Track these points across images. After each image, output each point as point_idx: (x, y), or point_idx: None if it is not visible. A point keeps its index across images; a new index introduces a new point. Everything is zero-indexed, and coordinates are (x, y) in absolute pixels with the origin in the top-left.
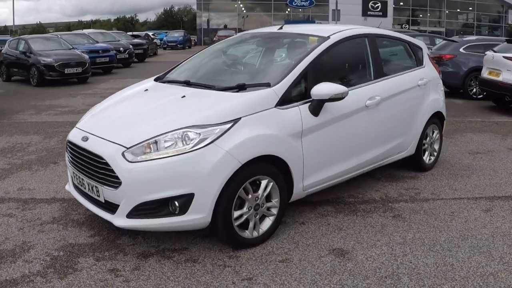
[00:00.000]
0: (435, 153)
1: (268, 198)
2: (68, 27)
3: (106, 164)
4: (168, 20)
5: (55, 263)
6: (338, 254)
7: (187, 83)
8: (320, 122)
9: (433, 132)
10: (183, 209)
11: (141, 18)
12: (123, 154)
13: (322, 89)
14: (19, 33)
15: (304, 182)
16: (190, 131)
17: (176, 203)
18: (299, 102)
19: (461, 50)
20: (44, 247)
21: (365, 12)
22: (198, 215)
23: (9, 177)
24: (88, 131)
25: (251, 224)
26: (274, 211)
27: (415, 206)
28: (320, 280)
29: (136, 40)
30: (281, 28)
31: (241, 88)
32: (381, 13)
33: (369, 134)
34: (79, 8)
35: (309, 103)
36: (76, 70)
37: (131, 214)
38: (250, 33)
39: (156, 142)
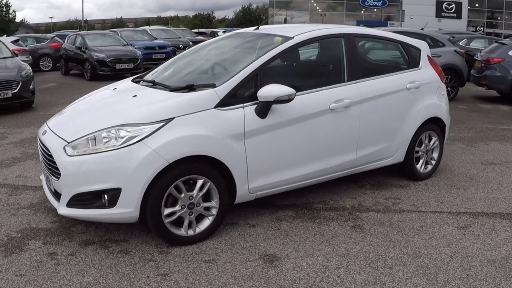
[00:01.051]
0: (433, 162)
1: (208, 198)
2: (148, 22)
3: (51, 156)
4: (246, 18)
5: (8, 243)
6: (267, 260)
7: (153, 83)
8: (268, 125)
9: (429, 139)
10: (112, 203)
11: (221, 15)
12: (64, 148)
13: (268, 90)
14: (88, 28)
15: (250, 185)
16: (122, 129)
17: (106, 196)
18: (244, 104)
19: (510, 53)
20: (8, 229)
21: (439, 14)
22: (126, 209)
23: (15, 165)
24: (49, 126)
25: (185, 223)
26: (214, 211)
27: (384, 218)
28: (232, 284)
29: (200, 37)
30: (257, 28)
31: (190, 88)
32: (455, 15)
33: (337, 139)
34: (161, 4)
35: (256, 105)
36: (128, 66)
37: (70, 204)
38: (232, 33)
39: (95, 138)
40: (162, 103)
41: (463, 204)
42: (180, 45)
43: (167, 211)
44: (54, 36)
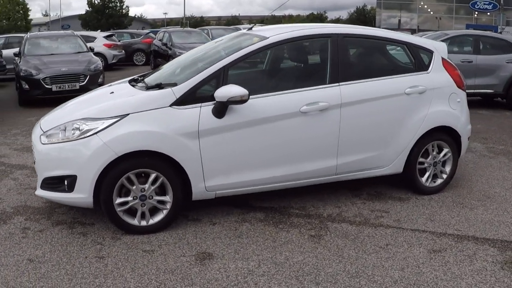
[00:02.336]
0: (444, 176)
1: (163, 192)
2: (262, 21)
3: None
4: (360, 18)
5: (0, 216)
6: (199, 258)
7: (144, 83)
8: (225, 125)
9: (439, 151)
10: (70, 188)
11: (336, 15)
12: (40, 137)
13: (223, 91)
14: (186, 25)
15: (207, 183)
16: (83, 122)
17: (66, 181)
18: (202, 103)
19: None
20: (6, 204)
21: None
22: (81, 194)
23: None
24: (41, 119)
25: (138, 213)
26: (168, 205)
27: (353, 230)
28: (151, 275)
29: None
30: (250, 29)
31: (159, 87)
32: None
33: (310, 143)
34: (280, 2)
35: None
36: None
37: (43, 186)
38: (233, 34)
39: (65, 129)
40: (123, 99)
41: (456, 225)
42: None
43: (119, 200)
44: (149, 32)
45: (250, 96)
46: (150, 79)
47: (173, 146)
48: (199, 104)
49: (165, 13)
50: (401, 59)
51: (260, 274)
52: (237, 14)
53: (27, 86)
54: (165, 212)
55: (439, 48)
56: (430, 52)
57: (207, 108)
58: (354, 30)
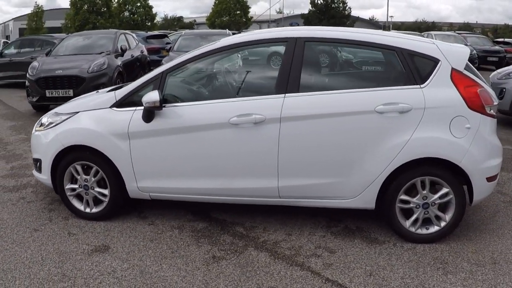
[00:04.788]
0: (442, 223)
1: (105, 185)
2: (495, 29)
3: None
4: None
5: (17, 187)
6: (94, 250)
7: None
8: (152, 129)
9: (431, 189)
10: (40, 169)
11: None
12: (35, 125)
13: (145, 96)
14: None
15: (139, 184)
16: (53, 115)
17: (38, 164)
18: (137, 107)
19: None
20: (28, 181)
21: None
22: (45, 176)
23: None
24: None
25: (84, 200)
26: (107, 198)
27: (261, 263)
28: (65, 255)
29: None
30: (239, 32)
31: (116, 89)
32: None
33: (244, 159)
34: None
35: None
36: None
37: (34, 168)
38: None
39: (46, 120)
40: (81, 99)
41: None
42: None
43: (69, 186)
44: None
45: (185, 103)
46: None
47: (107, 144)
48: (134, 108)
49: (391, 16)
50: (385, 68)
51: (119, 276)
52: (475, 22)
53: None
54: (104, 204)
55: (453, 56)
56: (433, 61)
57: (139, 112)
58: (321, 33)
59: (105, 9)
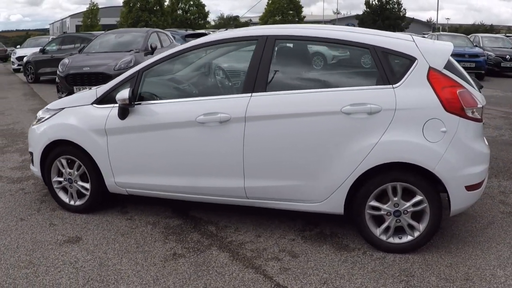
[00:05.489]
0: (416, 233)
1: (87, 180)
2: None
3: None
4: None
5: (17, 180)
6: (65, 241)
7: None
8: (127, 126)
9: (406, 196)
10: (32, 162)
11: None
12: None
13: (118, 94)
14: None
15: (116, 179)
16: (43, 111)
17: (31, 156)
18: (115, 104)
19: None
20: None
21: None
22: (36, 168)
23: None
24: None
25: (68, 193)
26: (88, 192)
27: (219, 262)
28: (39, 244)
29: None
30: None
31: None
32: None
33: (210, 158)
34: None
35: None
36: None
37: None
38: None
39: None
40: (69, 97)
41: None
42: (507, 56)
43: (55, 178)
44: None
45: (157, 101)
46: None
47: (87, 140)
48: (112, 105)
49: (447, 18)
50: (358, 67)
51: (78, 266)
52: None
53: None
54: (86, 197)
55: (432, 54)
56: (409, 60)
57: (116, 109)
58: (292, 31)
59: (157, 7)
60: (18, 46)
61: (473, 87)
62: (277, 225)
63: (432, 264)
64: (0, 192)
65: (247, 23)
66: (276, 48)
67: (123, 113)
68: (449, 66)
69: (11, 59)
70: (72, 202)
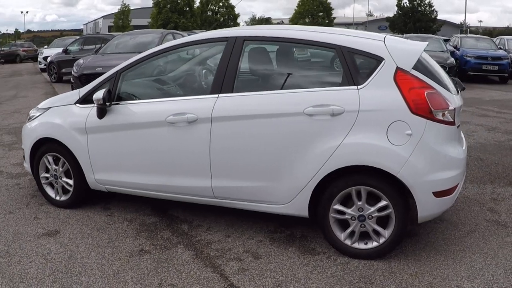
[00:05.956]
0: (381, 240)
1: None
2: None
3: None
4: None
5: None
6: (43, 234)
7: None
8: (103, 125)
9: (369, 200)
10: (24, 158)
11: None
12: None
13: (94, 94)
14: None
15: (96, 176)
16: (34, 110)
17: (23, 153)
18: (95, 104)
19: None
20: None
21: None
22: (27, 165)
23: None
24: None
25: (55, 188)
26: (71, 188)
27: (185, 257)
28: (19, 235)
29: None
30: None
31: None
32: None
33: (179, 157)
34: None
35: None
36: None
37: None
38: None
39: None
40: (58, 96)
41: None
42: None
43: (43, 174)
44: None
45: (132, 101)
46: None
47: (70, 138)
48: (92, 105)
49: (480, 21)
50: (324, 68)
51: (48, 258)
52: None
53: None
54: (70, 193)
55: (401, 54)
56: (376, 60)
57: (95, 109)
58: (260, 32)
59: (187, 8)
60: (46, 46)
61: (446, 89)
62: (250, 226)
63: (396, 272)
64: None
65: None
66: (244, 49)
67: (101, 112)
68: (420, 66)
69: (38, 59)
70: (57, 198)
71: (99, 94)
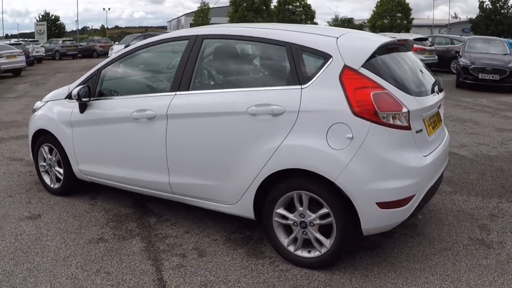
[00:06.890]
0: (323, 249)
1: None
2: None
3: None
4: None
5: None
6: (32, 217)
7: None
8: (83, 119)
9: (313, 206)
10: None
11: None
12: None
13: (73, 91)
14: None
15: (80, 167)
16: (38, 103)
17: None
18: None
19: None
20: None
21: None
22: (30, 154)
23: None
24: None
25: (50, 176)
26: (62, 176)
27: (135, 249)
28: (6, 217)
29: None
30: None
31: None
32: None
33: (141, 152)
34: None
35: None
36: (493, 77)
37: None
38: None
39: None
40: (55, 90)
41: None
42: None
43: (41, 163)
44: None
45: (108, 98)
46: None
47: (59, 129)
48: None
49: None
50: (274, 66)
51: (19, 238)
52: None
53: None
54: (61, 182)
55: (350, 52)
56: (324, 58)
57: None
58: (217, 30)
59: (263, 7)
60: (117, 43)
61: (406, 90)
62: (213, 224)
63: (335, 285)
64: (12, 172)
65: (361, 26)
66: (202, 48)
67: (81, 107)
68: (377, 65)
69: (108, 54)
70: (52, 185)
71: (75, 91)
